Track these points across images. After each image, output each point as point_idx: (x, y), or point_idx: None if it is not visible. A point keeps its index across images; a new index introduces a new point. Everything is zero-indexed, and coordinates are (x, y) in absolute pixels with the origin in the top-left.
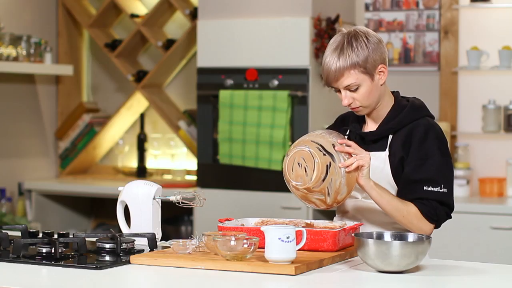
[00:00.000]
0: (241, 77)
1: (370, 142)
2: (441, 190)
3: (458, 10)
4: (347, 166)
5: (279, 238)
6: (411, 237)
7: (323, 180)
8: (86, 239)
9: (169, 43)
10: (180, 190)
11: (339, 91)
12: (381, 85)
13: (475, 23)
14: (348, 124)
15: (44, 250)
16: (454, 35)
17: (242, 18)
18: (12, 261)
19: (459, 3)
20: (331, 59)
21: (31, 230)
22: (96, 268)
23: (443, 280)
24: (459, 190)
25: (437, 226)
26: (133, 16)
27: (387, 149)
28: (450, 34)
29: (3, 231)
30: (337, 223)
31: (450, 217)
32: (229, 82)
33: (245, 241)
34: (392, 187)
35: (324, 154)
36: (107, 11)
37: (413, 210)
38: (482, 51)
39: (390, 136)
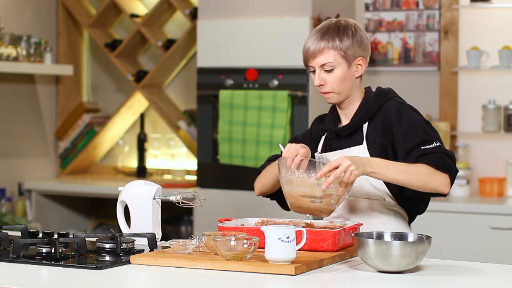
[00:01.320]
0: (241, 77)
1: (345, 137)
2: (437, 144)
3: (458, 10)
4: (346, 185)
5: (279, 238)
6: (411, 237)
7: (332, 211)
8: (86, 239)
9: (169, 43)
10: (180, 190)
11: (314, 71)
12: (357, 78)
13: (475, 23)
14: (324, 121)
15: (44, 250)
16: (454, 35)
17: (242, 18)
18: (12, 261)
19: (459, 3)
20: (313, 38)
21: (31, 230)
22: (96, 268)
23: (443, 280)
24: (459, 190)
25: (451, 176)
26: (133, 16)
27: (364, 142)
28: (450, 34)
29: (3, 231)
30: (337, 223)
31: (457, 170)
32: (229, 82)
33: (245, 241)
34: (376, 179)
35: (320, 201)
36: (107, 11)
37: (423, 169)
38: (482, 51)
39: (365, 127)
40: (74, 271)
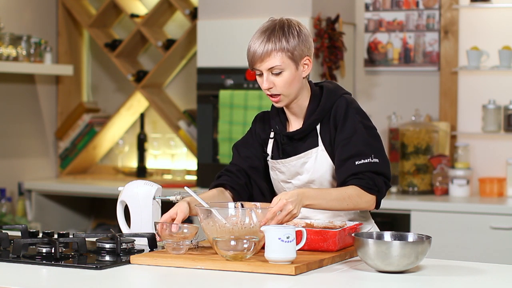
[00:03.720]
0: (241, 77)
1: (298, 141)
2: (372, 161)
3: (458, 10)
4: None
5: (279, 238)
6: (411, 237)
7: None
8: (86, 239)
9: (169, 43)
10: (180, 190)
11: (260, 75)
12: (303, 78)
13: (475, 23)
14: (268, 122)
15: (44, 250)
16: (454, 35)
17: (242, 18)
18: (12, 261)
19: (459, 3)
20: (259, 40)
21: (31, 230)
22: (96, 268)
23: (443, 280)
24: (459, 190)
25: (379, 196)
26: (133, 16)
27: (320, 143)
28: (450, 34)
29: (3, 231)
30: (337, 223)
31: (390, 186)
32: (229, 82)
33: (245, 241)
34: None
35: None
36: (107, 11)
37: (353, 191)
38: (482, 51)
39: (318, 128)
40: (74, 271)
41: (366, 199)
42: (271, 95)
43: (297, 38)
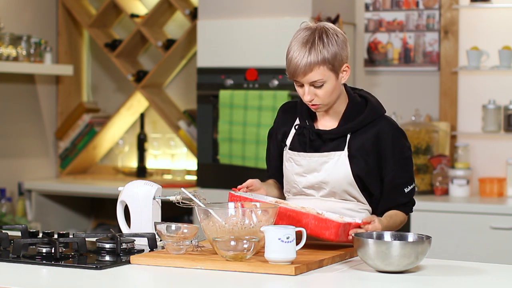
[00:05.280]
0: (241, 77)
1: (328, 140)
2: (414, 185)
3: (458, 10)
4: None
5: (279, 238)
6: (411, 237)
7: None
8: (86, 239)
9: (169, 43)
10: (180, 190)
11: (300, 85)
12: (342, 84)
13: (475, 23)
14: (294, 116)
15: (44, 250)
16: (454, 35)
17: (242, 18)
18: (12, 261)
19: (459, 3)
20: (301, 53)
21: (31, 230)
22: (96, 268)
23: (443, 280)
24: (459, 190)
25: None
26: (133, 16)
27: (346, 149)
28: (450, 34)
29: (3, 231)
30: (346, 219)
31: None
32: (229, 82)
33: (245, 241)
34: (353, 187)
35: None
36: (107, 11)
37: (402, 218)
38: (482, 51)
39: (348, 135)
40: (74, 271)
41: (405, 221)
42: (311, 104)
43: (336, 47)
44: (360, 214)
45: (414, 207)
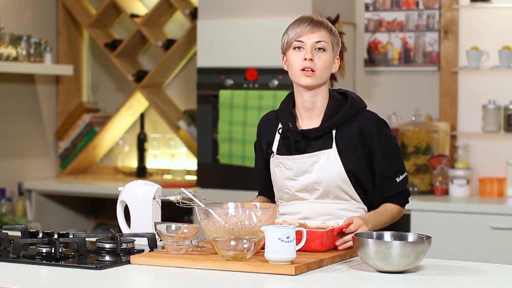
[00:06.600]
0: (241, 77)
1: (312, 140)
2: (406, 174)
3: (458, 10)
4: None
5: (279, 238)
6: (411, 237)
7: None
8: (86, 239)
9: (169, 43)
10: (180, 190)
11: (300, 48)
12: (331, 73)
13: (475, 23)
14: (276, 123)
15: (44, 250)
16: (454, 35)
17: (242, 18)
18: (12, 261)
19: (459, 3)
20: (305, 19)
21: (31, 230)
22: (96, 268)
23: (443, 280)
24: (459, 190)
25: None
26: (133, 16)
27: (334, 145)
28: (450, 34)
29: (3, 231)
30: (329, 223)
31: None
32: (229, 82)
33: (245, 241)
34: (346, 183)
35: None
36: (107, 11)
37: (395, 211)
38: (482, 51)
39: (334, 132)
40: (74, 271)
41: (402, 212)
42: (307, 70)
43: (335, 33)
44: (356, 214)
45: (413, 207)
